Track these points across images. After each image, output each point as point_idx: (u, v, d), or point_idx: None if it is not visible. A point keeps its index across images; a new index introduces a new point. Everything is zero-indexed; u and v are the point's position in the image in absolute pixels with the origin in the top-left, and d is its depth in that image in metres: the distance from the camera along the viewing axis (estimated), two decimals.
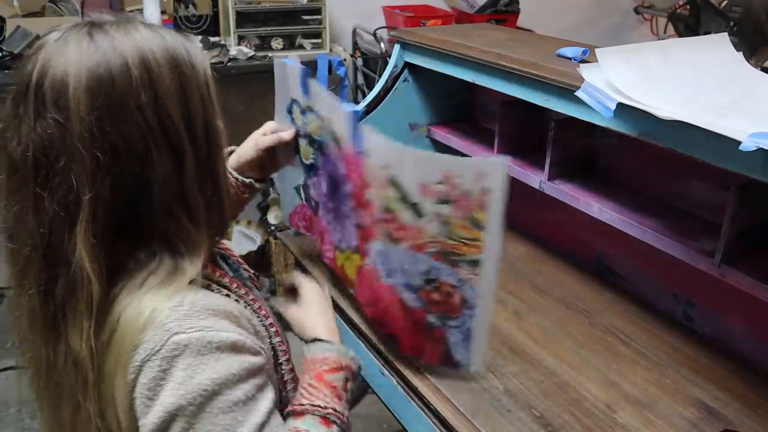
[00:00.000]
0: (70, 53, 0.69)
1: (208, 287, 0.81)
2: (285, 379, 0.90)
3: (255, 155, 1.14)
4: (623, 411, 0.97)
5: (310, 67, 1.08)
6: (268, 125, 1.19)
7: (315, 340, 0.93)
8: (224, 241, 0.98)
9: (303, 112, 1.12)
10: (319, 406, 0.85)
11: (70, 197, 0.69)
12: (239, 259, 1.04)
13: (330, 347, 0.92)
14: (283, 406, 0.88)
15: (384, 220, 0.92)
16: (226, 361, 0.72)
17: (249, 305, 0.85)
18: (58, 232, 0.70)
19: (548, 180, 1.26)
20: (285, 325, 0.97)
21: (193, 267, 0.74)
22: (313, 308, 0.99)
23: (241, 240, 2.87)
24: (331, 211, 1.10)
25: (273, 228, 2.72)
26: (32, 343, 0.77)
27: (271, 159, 1.17)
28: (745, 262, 0.98)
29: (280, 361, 0.89)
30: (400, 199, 0.88)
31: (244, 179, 1.14)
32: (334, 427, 0.85)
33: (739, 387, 1.03)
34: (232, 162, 1.15)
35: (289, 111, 1.18)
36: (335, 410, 0.86)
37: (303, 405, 0.85)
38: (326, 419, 0.85)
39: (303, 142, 1.15)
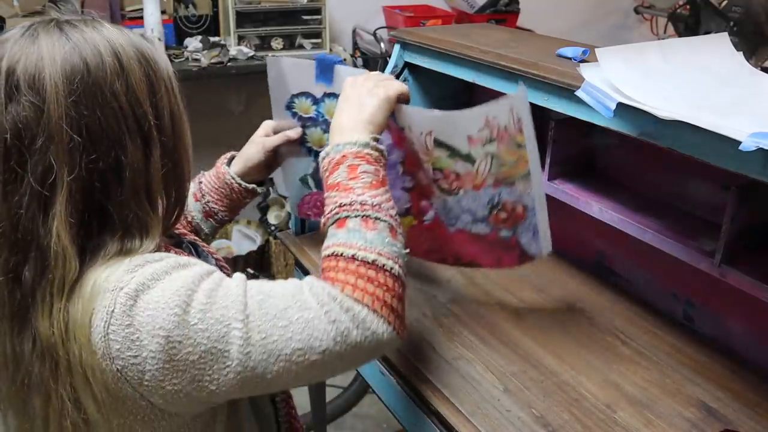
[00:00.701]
0: (42, 43, 0.71)
1: None
2: None
3: (263, 157, 1.15)
4: (623, 411, 0.97)
5: (330, 55, 1.11)
6: (268, 124, 1.19)
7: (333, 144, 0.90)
8: (224, 241, 0.98)
9: (317, 102, 1.16)
10: (331, 212, 0.83)
11: (47, 177, 0.70)
12: (210, 250, 1.03)
13: (322, 153, 0.88)
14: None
15: (436, 180, 1.02)
16: (176, 276, 0.72)
17: None
18: (31, 214, 0.70)
19: (548, 180, 1.26)
20: None
21: (141, 249, 0.75)
22: (344, 106, 0.93)
23: (241, 240, 2.87)
24: None
25: (273, 228, 2.71)
26: None
27: (276, 158, 1.19)
28: (745, 262, 0.98)
29: None
30: (450, 156, 0.98)
31: (247, 185, 1.16)
32: (349, 222, 0.81)
33: (739, 387, 1.03)
34: (238, 167, 1.16)
35: (288, 107, 1.19)
36: (342, 206, 0.82)
37: (323, 222, 0.85)
38: (339, 221, 0.82)
39: (316, 130, 1.19)
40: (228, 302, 0.72)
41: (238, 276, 0.77)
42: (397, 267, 0.79)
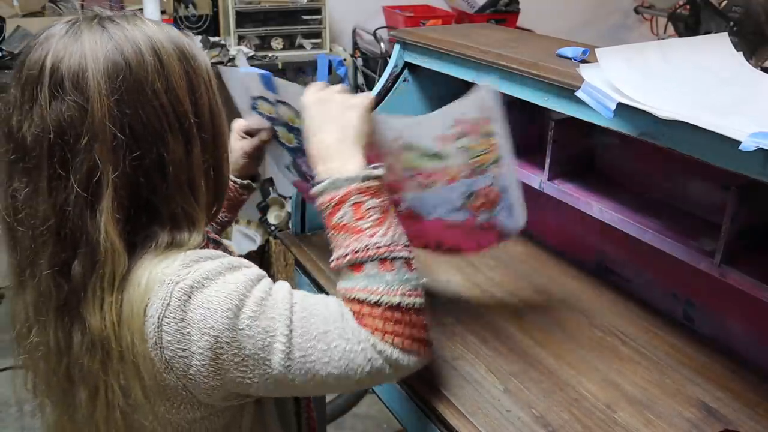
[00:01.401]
0: (85, 41, 0.72)
1: None
2: None
3: (246, 161, 1.17)
4: (623, 411, 0.97)
5: (269, 71, 1.10)
6: (239, 124, 1.17)
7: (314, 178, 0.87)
8: (224, 240, 0.99)
9: (274, 104, 1.16)
10: (344, 256, 0.81)
11: (93, 175, 0.71)
12: (228, 245, 1.04)
13: (318, 187, 0.84)
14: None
15: (410, 177, 1.02)
16: (231, 278, 0.75)
17: None
18: (78, 211, 0.72)
19: (548, 180, 1.26)
20: None
21: (191, 241, 0.77)
22: (310, 127, 0.89)
23: (241, 240, 2.87)
24: None
25: (273, 228, 2.72)
26: (39, 330, 0.78)
27: (257, 156, 1.19)
28: (745, 262, 0.98)
29: None
30: (420, 156, 0.99)
31: (242, 182, 1.18)
32: (366, 266, 0.80)
33: (739, 387, 1.03)
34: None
35: (254, 107, 1.20)
36: (356, 251, 0.80)
37: (334, 264, 0.84)
38: (356, 266, 0.80)
39: (281, 129, 1.18)
40: (275, 314, 0.75)
41: (284, 286, 0.80)
42: (419, 300, 0.82)
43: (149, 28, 0.76)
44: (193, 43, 0.80)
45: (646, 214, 1.13)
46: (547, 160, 1.24)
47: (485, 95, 0.93)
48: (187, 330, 0.71)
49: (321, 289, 1.31)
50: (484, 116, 0.95)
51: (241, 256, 1.05)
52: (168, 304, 0.71)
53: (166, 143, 0.74)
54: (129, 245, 0.74)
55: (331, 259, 0.83)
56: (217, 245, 0.99)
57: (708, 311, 1.15)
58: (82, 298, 0.73)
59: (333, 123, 0.89)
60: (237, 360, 0.73)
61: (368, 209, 0.82)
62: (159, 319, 0.71)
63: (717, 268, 0.99)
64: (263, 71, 1.09)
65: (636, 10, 3.27)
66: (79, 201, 0.71)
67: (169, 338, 0.71)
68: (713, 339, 1.14)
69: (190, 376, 0.73)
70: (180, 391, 0.75)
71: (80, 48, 0.71)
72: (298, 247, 1.43)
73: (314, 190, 0.85)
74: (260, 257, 2.84)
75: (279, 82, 1.08)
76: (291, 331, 0.75)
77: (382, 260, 0.80)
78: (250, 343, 0.73)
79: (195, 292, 0.72)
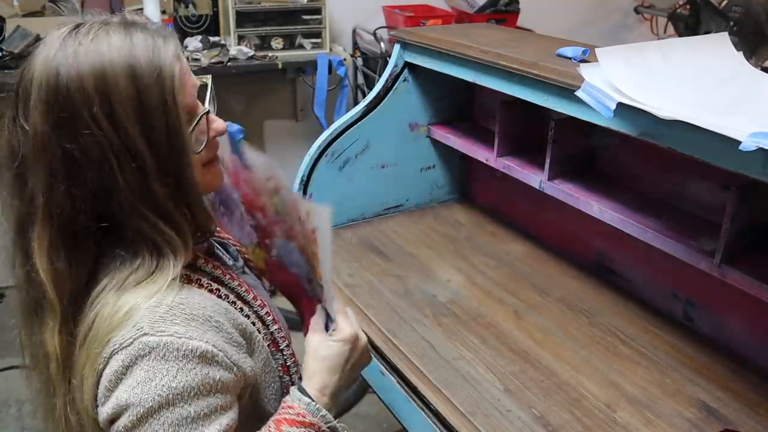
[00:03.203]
0: (39, 58, 0.72)
1: (198, 282, 0.81)
2: (288, 363, 0.91)
3: None
4: (623, 411, 0.97)
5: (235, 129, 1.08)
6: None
7: (300, 386, 0.86)
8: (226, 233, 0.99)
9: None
10: None
11: (28, 201, 0.73)
12: (240, 248, 1.04)
13: (301, 399, 0.84)
14: (285, 390, 0.89)
15: (276, 222, 0.99)
16: (190, 371, 0.72)
17: (241, 298, 0.86)
18: (21, 232, 0.75)
19: (548, 180, 1.26)
20: (289, 325, 0.97)
21: (175, 266, 0.75)
22: (326, 359, 0.88)
23: None
24: (224, 216, 1.15)
25: None
26: (29, 335, 0.81)
27: None
28: (745, 262, 0.98)
29: (281, 347, 0.90)
30: (283, 207, 0.95)
31: None
32: None
33: (739, 387, 1.03)
34: None
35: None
36: None
37: None
38: None
39: None
40: None
41: (223, 427, 0.74)
42: None
43: (109, 43, 0.72)
44: (164, 50, 0.74)
45: (646, 214, 1.13)
46: (547, 160, 1.24)
47: (317, 215, 0.89)
48: (123, 378, 0.71)
49: None
50: (313, 229, 0.90)
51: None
52: (127, 346, 0.71)
53: (111, 171, 0.71)
54: (95, 269, 0.75)
55: None
56: (225, 249, 0.99)
57: (708, 311, 1.15)
58: (39, 312, 0.77)
59: (342, 372, 0.89)
60: None
61: None
62: (112, 352, 0.71)
63: (717, 268, 0.99)
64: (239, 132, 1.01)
65: (636, 10, 3.26)
66: (22, 223, 0.74)
67: (108, 372, 0.71)
68: (713, 339, 1.14)
69: (99, 411, 0.73)
70: (95, 418, 0.75)
71: (31, 69, 0.72)
72: None
73: (305, 392, 0.85)
74: None
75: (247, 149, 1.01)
76: None
77: None
78: None
79: (152, 355, 0.71)
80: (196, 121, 0.78)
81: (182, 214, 0.77)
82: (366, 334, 1.11)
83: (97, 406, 0.74)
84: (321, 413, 0.83)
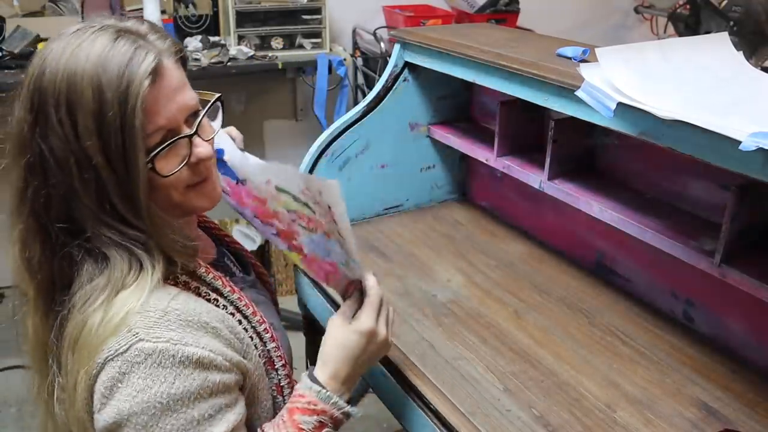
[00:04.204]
0: (37, 58, 0.74)
1: (196, 290, 0.80)
2: (282, 384, 0.90)
3: None
4: (623, 411, 0.97)
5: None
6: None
7: (311, 373, 0.87)
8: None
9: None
10: None
11: (19, 185, 0.75)
12: (252, 258, 1.04)
13: (312, 387, 0.84)
14: (276, 410, 0.88)
15: (293, 220, 0.97)
16: (187, 377, 0.72)
17: (240, 311, 0.85)
18: (13, 215, 0.79)
19: (548, 180, 1.26)
20: (289, 325, 0.97)
21: (157, 269, 0.75)
22: (342, 348, 0.88)
23: (241, 240, 2.87)
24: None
25: None
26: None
27: None
28: (745, 262, 0.98)
29: (276, 366, 0.89)
30: (294, 200, 0.92)
31: None
32: None
33: (739, 387, 1.03)
34: None
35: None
36: None
37: None
38: None
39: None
40: None
41: (230, 425, 0.75)
42: None
43: (86, 52, 0.71)
44: (136, 70, 0.72)
45: (646, 214, 1.13)
46: (547, 160, 1.24)
47: (327, 191, 0.86)
48: (120, 385, 0.71)
49: (321, 289, 1.31)
50: (327, 210, 0.88)
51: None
52: (122, 352, 0.71)
53: (72, 177, 0.72)
54: (67, 271, 0.76)
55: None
56: (236, 259, 0.99)
57: (708, 311, 1.15)
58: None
59: (358, 358, 0.88)
60: None
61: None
62: (106, 358, 0.71)
63: (717, 268, 0.99)
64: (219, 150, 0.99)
65: (636, 10, 3.26)
66: (9, 217, 0.78)
67: (104, 378, 0.71)
68: (713, 339, 1.14)
69: (96, 418, 0.73)
70: (89, 425, 0.75)
71: (31, 65, 0.74)
72: None
73: (315, 379, 0.86)
74: (260, 257, 2.84)
75: (236, 160, 0.99)
76: None
77: None
78: None
79: (149, 362, 0.71)
80: (163, 146, 0.75)
81: (145, 231, 0.76)
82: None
83: (91, 412, 0.74)
84: (332, 400, 0.84)
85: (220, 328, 0.78)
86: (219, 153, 0.95)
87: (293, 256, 1.06)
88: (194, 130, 0.79)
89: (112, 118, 0.70)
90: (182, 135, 0.77)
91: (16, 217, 0.77)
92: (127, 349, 0.71)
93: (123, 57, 0.71)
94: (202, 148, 0.80)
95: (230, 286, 0.85)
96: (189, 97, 0.79)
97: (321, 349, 0.89)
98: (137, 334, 0.71)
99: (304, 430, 0.82)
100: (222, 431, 0.75)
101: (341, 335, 0.88)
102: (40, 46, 2.08)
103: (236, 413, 0.77)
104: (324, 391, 0.84)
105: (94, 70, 0.70)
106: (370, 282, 0.91)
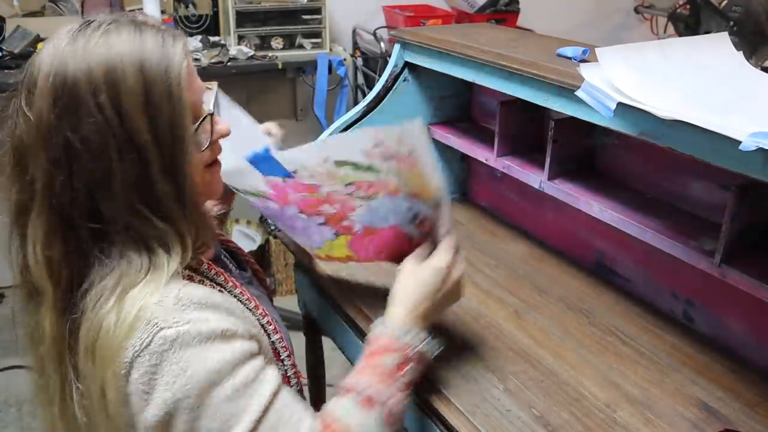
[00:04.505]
0: (44, 55, 0.73)
1: (201, 283, 0.81)
2: (288, 374, 0.91)
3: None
4: (623, 410, 0.97)
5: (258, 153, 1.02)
6: (266, 125, 1.20)
7: (379, 319, 0.89)
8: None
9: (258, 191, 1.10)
10: (359, 386, 0.82)
11: (27, 188, 0.73)
12: (248, 258, 1.04)
13: (383, 330, 0.86)
14: None
15: (351, 194, 0.98)
16: (218, 350, 0.73)
17: (243, 304, 0.86)
18: (21, 223, 0.76)
19: (548, 180, 1.26)
20: (289, 325, 0.97)
21: (171, 263, 0.75)
22: (415, 283, 0.89)
23: (241, 239, 2.87)
24: (289, 228, 1.17)
25: (273, 228, 2.72)
26: (25, 319, 0.82)
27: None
28: (745, 262, 0.98)
29: (281, 357, 0.90)
30: (355, 168, 0.93)
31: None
32: (374, 410, 0.81)
33: (739, 387, 1.03)
34: None
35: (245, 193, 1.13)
36: (377, 392, 0.82)
37: (347, 384, 0.83)
38: (367, 400, 0.81)
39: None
40: (250, 404, 0.74)
41: (272, 382, 0.77)
42: None
43: (119, 37, 0.73)
44: (172, 50, 0.75)
45: (646, 214, 1.13)
46: (547, 160, 1.24)
47: (408, 132, 0.87)
48: (156, 377, 0.71)
49: (320, 288, 1.31)
50: (409, 154, 0.89)
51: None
52: (147, 345, 0.71)
53: (110, 161, 0.71)
54: (81, 266, 0.75)
55: (358, 384, 0.83)
56: (233, 257, 0.99)
57: (708, 311, 1.15)
58: (37, 298, 0.78)
59: (435, 300, 0.91)
60: (187, 427, 0.72)
61: (409, 370, 0.85)
62: (134, 355, 0.71)
63: (717, 268, 0.99)
64: (254, 155, 0.98)
65: (636, 10, 3.27)
66: (20, 215, 0.75)
67: (136, 375, 0.71)
68: (713, 339, 1.14)
69: (141, 417, 0.73)
70: (127, 423, 0.74)
71: (39, 61, 0.73)
72: (297, 247, 1.43)
73: (385, 321, 0.88)
74: (260, 257, 2.84)
75: (284, 154, 0.98)
76: (256, 427, 0.74)
77: (389, 414, 0.82)
78: (210, 418, 0.72)
79: (177, 346, 0.71)
80: (200, 120, 0.79)
81: (179, 211, 0.76)
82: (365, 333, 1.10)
83: (131, 415, 0.73)
84: (410, 335, 0.86)
85: (232, 309, 0.79)
86: (264, 151, 0.96)
87: (338, 244, 1.08)
88: (212, 109, 0.83)
89: (159, 94, 0.73)
90: (209, 111, 0.81)
91: (36, 215, 0.74)
92: (151, 341, 0.71)
93: (155, 40, 0.74)
94: (221, 126, 0.84)
95: (232, 281, 0.86)
96: (200, 80, 0.83)
97: (391, 293, 0.90)
98: (157, 323, 0.71)
99: (382, 369, 0.83)
100: (271, 389, 0.76)
101: (416, 272, 0.90)
102: (39, 46, 2.07)
103: (274, 371, 0.78)
104: (401, 327, 0.86)
105: (132, 53, 0.72)
106: (447, 228, 0.93)
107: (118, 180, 0.72)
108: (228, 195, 1.18)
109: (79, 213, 0.73)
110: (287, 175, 0.98)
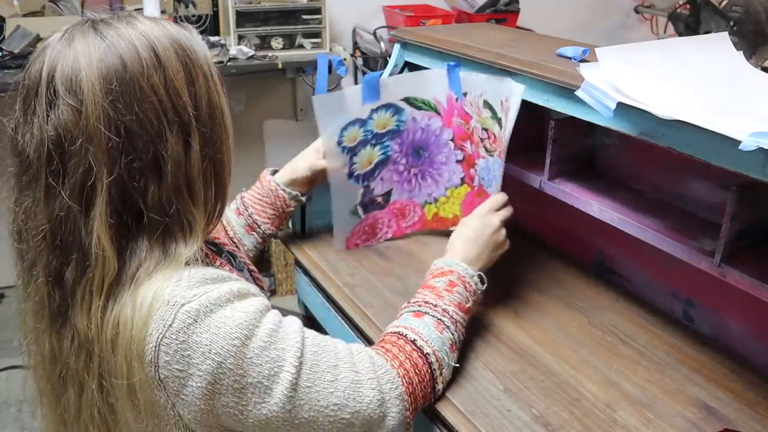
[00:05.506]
0: (77, 46, 0.71)
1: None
2: None
3: (309, 173, 1.26)
4: (623, 410, 0.97)
5: (377, 71, 1.19)
6: (320, 145, 1.27)
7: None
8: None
9: (364, 123, 1.25)
10: (415, 302, 0.98)
11: (87, 180, 0.71)
12: (247, 261, 1.05)
13: (440, 261, 1.04)
14: None
15: (482, 139, 1.14)
16: (239, 307, 0.74)
17: None
18: (72, 217, 0.72)
19: (548, 180, 1.26)
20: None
21: (187, 250, 0.76)
22: (461, 233, 1.09)
23: None
24: (413, 179, 1.34)
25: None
26: (36, 336, 0.79)
27: (321, 176, 1.28)
28: (745, 262, 0.98)
29: None
30: (492, 117, 1.10)
31: (292, 191, 1.25)
32: (426, 317, 0.95)
33: (739, 387, 1.03)
34: (285, 177, 1.26)
35: (339, 143, 1.25)
36: (428, 303, 0.97)
37: (404, 307, 0.99)
38: (419, 313, 0.96)
39: (365, 151, 1.28)
40: (287, 345, 0.76)
41: (295, 321, 0.81)
42: (439, 373, 0.93)
43: (144, 24, 0.75)
44: (193, 35, 0.79)
45: (646, 214, 1.13)
46: (547, 160, 1.24)
47: (516, 92, 1.03)
48: (188, 352, 0.71)
49: (320, 289, 1.31)
50: (503, 103, 1.05)
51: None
52: (170, 325, 0.71)
53: (165, 140, 0.73)
54: (121, 250, 0.74)
55: (404, 307, 1.00)
56: (232, 258, 1.00)
57: (708, 311, 1.15)
58: (70, 303, 0.74)
59: (483, 246, 1.09)
60: (236, 387, 0.73)
61: (458, 292, 1.01)
62: (158, 339, 0.70)
63: (717, 267, 0.99)
64: (376, 73, 1.19)
65: (636, 10, 3.27)
66: (73, 206, 0.71)
67: (167, 358, 0.71)
68: (713, 339, 1.14)
69: (183, 396, 0.72)
70: (169, 411, 0.74)
71: (73, 52, 0.71)
72: (298, 247, 1.43)
73: (434, 264, 1.06)
74: (260, 257, 2.84)
75: (385, 83, 1.18)
76: (301, 363, 0.77)
77: (440, 321, 0.96)
78: (255, 371, 0.73)
79: (201, 316, 0.72)
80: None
81: (208, 194, 0.79)
82: (365, 333, 1.11)
83: (170, 398, 0.72)
84: (462, 265, 1.03)
85: (241, 281, 0.81)
86: (457, 64, 1.16)
87: (458, 193, 1.25)
88: None
89: (197, 71, 0.76)
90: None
91: (102, 207, 0.71)
92: (174, 319, 0.71)
93: (173, 25, 0.78)
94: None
95: (235, 272, 0.87)
96: None
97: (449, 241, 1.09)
98: (176, 302, 0.72)
99: (435, 287, 0.99)
100: (297, 327, 0.80)
101: (465, 221, 1.11)
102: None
103: (292, 315, 0.82)
104: (453, 259, 1.03)
105: (165, 36, 0.75)
106: (499, 184, 1.14)
107: (170, 160, 0.74)
108: (277, 218, 1.27)
109: (133, 200, 0.73)
110: (458, 97, 1.14)
